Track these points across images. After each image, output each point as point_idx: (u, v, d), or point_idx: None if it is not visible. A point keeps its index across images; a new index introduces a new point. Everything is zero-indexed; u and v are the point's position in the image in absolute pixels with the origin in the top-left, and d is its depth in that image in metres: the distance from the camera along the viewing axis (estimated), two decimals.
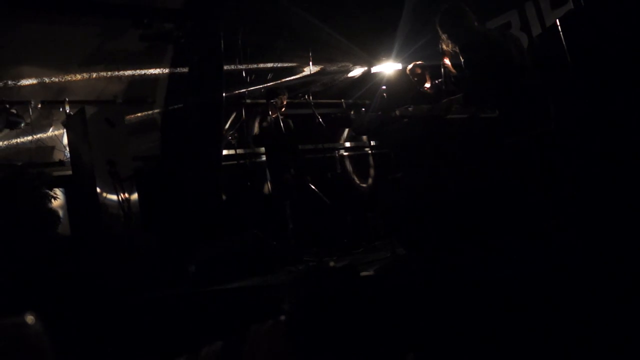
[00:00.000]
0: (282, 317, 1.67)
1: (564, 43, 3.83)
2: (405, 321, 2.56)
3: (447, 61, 4.85)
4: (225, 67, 6.99)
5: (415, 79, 5.82)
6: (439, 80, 5.55)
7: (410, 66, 5.91)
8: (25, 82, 6.43)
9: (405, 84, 6.21)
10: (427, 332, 2.96)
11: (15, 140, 6.59)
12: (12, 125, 6.29)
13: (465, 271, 3.45)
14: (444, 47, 4.65)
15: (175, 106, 7.04)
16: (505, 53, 4.29)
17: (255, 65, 7.83)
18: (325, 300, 1.57)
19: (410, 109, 4.75)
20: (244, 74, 7.74)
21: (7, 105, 6.25)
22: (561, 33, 3.78)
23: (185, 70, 7.04)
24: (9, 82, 6.30)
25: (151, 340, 4.13)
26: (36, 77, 6.51)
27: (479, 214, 4.17)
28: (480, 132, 4.52)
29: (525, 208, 4.08)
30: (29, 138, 6.65)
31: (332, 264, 1.89)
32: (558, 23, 3.81)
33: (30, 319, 1.22)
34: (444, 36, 4.56)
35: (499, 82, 4.25)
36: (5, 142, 6.52)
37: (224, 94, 6.74)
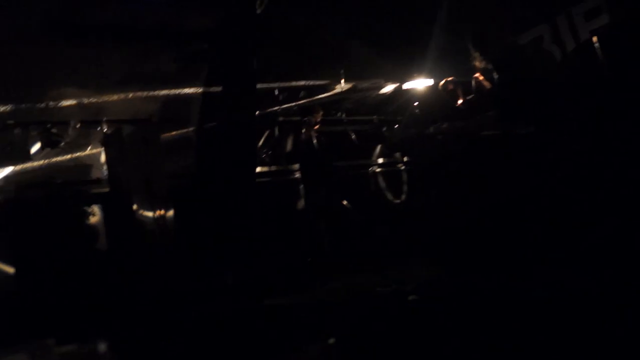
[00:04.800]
0: (332, 340, 1.65)
1: (600, 57, 3.79)
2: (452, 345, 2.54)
3: (480, 77, 4.84)
4: (258, 86, 7.07)
5: (448, 95, 5.81)
6: (471, 96, 5.53)
7: (442, 82, 5.90)
8: (65, 103, 6.61)
9: (438, 100, 6.19)
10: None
11: (55, 159, 6.75)
12: (52, 144, 6.46)
13: (500, 291, 3.41)
14: (476, 64, 4.64)
15: (210, 124, 7.13)
16: (538, 69, 4.27)
17: (287, 84, 7.90)
18: (376, 327, 1.58)
19: (444, 126, 4.74)
20: (276, 92, 7.82)
21: (49, 126, 6.42)
22: (598, 48, 3.74)
23: (219, 89, 7.12)
24: (50, 103, 6.48)
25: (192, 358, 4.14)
26: (75, 98, 6.68)
27: (514, 230, 4.13)
28: (514, 148, 4.49)
29: (562, 224, 4.03)
30: (68, 157, 6.81)
31: (379, 289, 1.89)
32: (595, 39, 3.77)
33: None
34: (475, 53, 4.55)
35: (532, 98, 4.22)
36: (45, 161, 6.67)
37: (256, 112, 6.82)
